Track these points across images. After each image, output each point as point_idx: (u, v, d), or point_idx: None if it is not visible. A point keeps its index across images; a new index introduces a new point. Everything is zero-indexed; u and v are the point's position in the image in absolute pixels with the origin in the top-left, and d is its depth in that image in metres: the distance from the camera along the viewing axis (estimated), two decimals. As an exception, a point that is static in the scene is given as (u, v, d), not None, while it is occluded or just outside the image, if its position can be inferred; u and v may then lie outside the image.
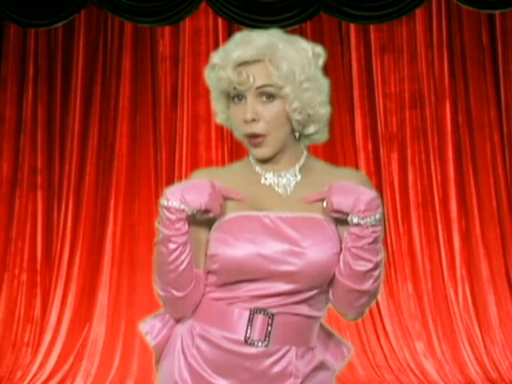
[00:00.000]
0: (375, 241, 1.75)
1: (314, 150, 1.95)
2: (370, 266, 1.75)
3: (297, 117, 1.78)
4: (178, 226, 1.73)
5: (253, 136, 1.78)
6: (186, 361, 1.79)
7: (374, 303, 1.87)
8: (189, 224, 1.76)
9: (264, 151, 1.79)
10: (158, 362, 1.88)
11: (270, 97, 1.77)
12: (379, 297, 6.07)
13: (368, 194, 1.73)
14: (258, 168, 1.84)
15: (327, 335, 1.90)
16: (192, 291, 1.78)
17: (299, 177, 1.83)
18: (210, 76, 1.82)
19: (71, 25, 5.94)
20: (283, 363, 1.77)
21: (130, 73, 5.96)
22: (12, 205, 5.90)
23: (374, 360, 5.57)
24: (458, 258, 5.74)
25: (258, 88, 1.76)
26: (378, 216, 1.73)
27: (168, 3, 5.78)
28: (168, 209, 1.73)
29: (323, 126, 1.85)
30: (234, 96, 1.78)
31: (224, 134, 5.73)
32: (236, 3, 5.72)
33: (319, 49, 1.82)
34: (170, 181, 5.59)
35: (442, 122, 5.86)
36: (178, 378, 1.79)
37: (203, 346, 1.78)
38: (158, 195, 5.75)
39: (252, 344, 1.75)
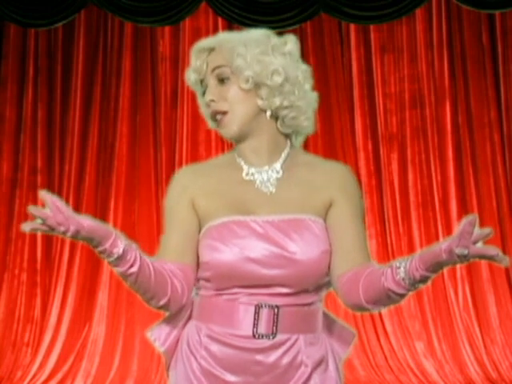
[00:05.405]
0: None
1: (314, 151, 1.95)
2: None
3: (245, 86, 1.80)
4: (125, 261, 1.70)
5: (216, 114, 1.84)
6: (196, 362, 1.80)
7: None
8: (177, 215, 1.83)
9: (229, 129, 1.83)
10: (168, 367, 1.87)
11: (225, 78, 1.83)
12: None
13: None
14: (241, 162, 1.85)
15: (331, 322, 1.90)
16: (173, 291, 1.77)
17: (281, 173, 1.82)
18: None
19: (71, 25, 5.94)
20: (292, 353, 1.77)
21: (130, 73, 5.96)
22: (12, 205, 5.89)
23: (374, 360, 5.56)
24: (458, 258, 5.73)
25: (212, 71, 1.85)
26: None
27: (168, 3, 5.78)
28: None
29: (302, 109, 1.83)
30: (203, 88, 1.90)
31: (224, 134, 5.72)
32: (236, 3, 5.73)
33: (288, 37, 1.86)
34: (170, 181, 5.58)
35: (442, 122, 5.86)
36: (193, 379, 1.79)
37: (212, 346, 1.79)
38: (158, 195, 5.75)
39: (260, 338, 1.76)
